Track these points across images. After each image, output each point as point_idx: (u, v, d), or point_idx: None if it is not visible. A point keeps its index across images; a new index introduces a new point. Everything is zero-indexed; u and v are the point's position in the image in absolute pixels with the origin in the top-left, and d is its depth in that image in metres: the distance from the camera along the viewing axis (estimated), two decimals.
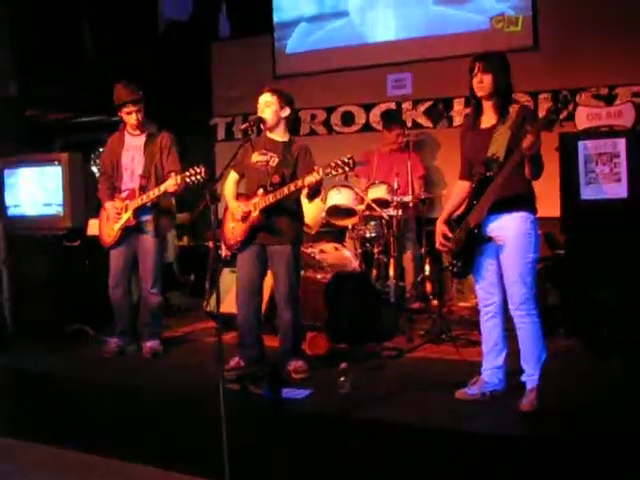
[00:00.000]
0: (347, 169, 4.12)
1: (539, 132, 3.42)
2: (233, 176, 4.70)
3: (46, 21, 7.38)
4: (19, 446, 4.53)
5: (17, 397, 4.91)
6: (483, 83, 3.71)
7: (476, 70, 3.72)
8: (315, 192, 4.40)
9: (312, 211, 5.71)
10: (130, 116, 5.11)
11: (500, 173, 3.61)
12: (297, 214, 4.60)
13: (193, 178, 4.53)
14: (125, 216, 5.06)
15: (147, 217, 5.11)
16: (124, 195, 5.12)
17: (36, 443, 4.52)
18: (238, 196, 4.66)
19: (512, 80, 3.76)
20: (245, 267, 4.60)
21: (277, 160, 4.50)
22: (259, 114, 4.49)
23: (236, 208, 4.56)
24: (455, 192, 4.04)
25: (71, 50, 7.79)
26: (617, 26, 6.33)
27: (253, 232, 4.51)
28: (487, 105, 3.79)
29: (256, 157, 4.56)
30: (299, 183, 4.28)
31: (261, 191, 4.45)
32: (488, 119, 3.80)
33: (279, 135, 4.58)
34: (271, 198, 4.38)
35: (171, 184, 4.83)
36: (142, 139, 5.19)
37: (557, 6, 6.67)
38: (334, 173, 4.15)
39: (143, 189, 5.03)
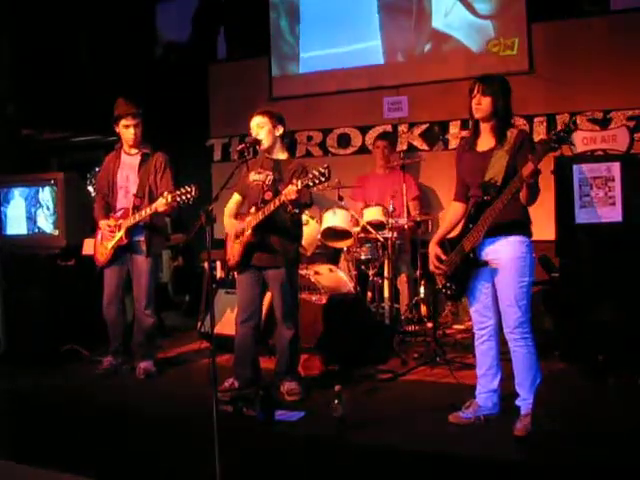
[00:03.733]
0: (323, 179, 4.03)
1: (540, 160, 3.41)
2: (235, 197, 4.70)
3: (44, 41, 7.41)
4: (6, 468, 4.49)
5: (6, 417, 4.85)
6: (481, 105, 3.71)
7: (475, 92, 3.72)
8: (300, 206, 4.34)
9: (307, 233, 5.70)
10: (128, 130, 5.12)
11: (499, 199, 3.60)
12: (292, 235, 4.56)
13: (184, 197, 4.55)
14: (117, 235, 5.07)
15: (140, 237, 5.11)
16: (119, 214, 5.13)
17: (24, 465, 4.48)
18: (237, 216, 4.66)
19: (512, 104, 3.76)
20: (243, 288, 4.60)
21: (272, 178, 4.50)
22: (254, 136, 4.50)
23: (230, 226, 4.58)
24: (449, 213, 4.05)
25: (68, 70, 7.82)
26: (612, 50, 6.39)
27: (249, 252, 4.49)
28: (485, 127, 3.79)
29: (253, 176, 4.57)
30: (281, 197, 4.23)
31: (253, 209, 4.45)
32: (485, 141, 3.79)
33: (277, 154, 4.58)
34: (260, 215, 4.35)
35: (161, 203, 4.81)
36: (137, 158, 5.21)
37: (552, 30, 6.74)
38: (311, 184, 4.07)
39: (137, 209, 5.03)
